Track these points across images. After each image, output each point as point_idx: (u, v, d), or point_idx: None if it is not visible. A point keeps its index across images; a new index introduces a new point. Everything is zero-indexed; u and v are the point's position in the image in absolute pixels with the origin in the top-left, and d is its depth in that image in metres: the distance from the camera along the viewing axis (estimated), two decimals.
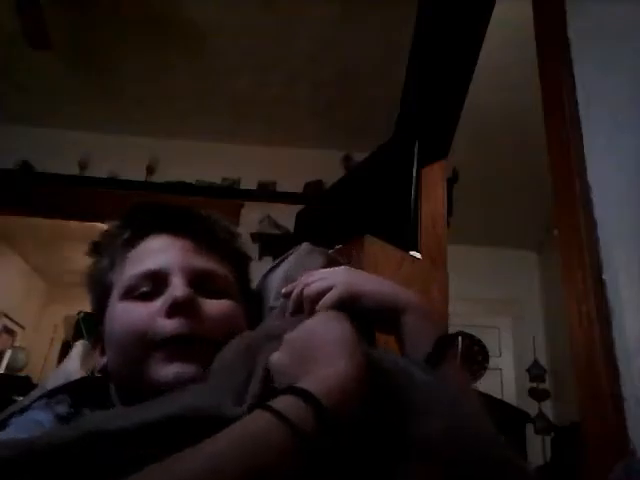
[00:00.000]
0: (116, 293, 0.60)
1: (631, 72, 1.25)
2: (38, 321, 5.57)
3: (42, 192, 3.13)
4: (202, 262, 0.62)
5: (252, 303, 0.68)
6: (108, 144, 3.34)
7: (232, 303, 0.62)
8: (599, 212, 1.21)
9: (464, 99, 2.67)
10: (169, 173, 3.24)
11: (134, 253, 0.63)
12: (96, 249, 0.67)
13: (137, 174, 3.21)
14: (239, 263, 0.69)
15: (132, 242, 0.64)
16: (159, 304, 0.57)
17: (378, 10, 2.48)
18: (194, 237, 0.64)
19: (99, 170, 3.24)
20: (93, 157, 3.28)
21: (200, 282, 0.60)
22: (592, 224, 1.20)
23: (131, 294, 0.59)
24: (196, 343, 0.55)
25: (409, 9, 2.40)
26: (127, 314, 0.58)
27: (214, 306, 0.59)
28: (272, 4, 2.51)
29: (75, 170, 3.24)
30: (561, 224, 1.32)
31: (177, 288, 0.57)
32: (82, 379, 0.64)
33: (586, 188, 1.25)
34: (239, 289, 0.66)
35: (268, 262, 2.99)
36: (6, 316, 5.07)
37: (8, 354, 5.01)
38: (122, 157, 3.29)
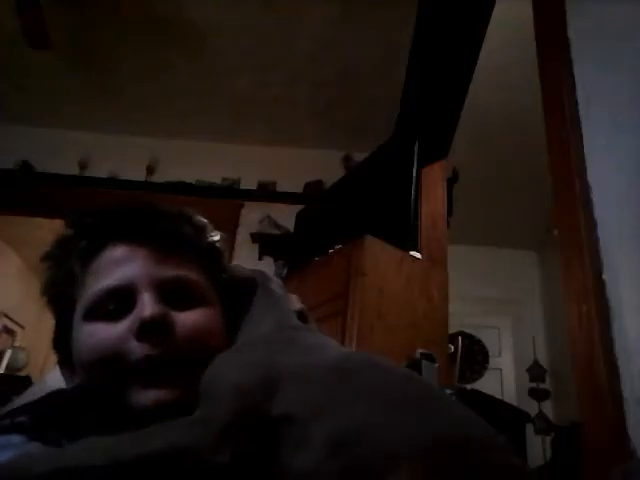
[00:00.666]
0: (79, 311, 0.54)
1: (631, 72, 1.25)
2: (38, 321, 5.57)
3: (42, 192, 3.13)
4: (170, 270, 0.56)
5: (228, 298, 0.62)
6: (108, 144, 3.34)
7: (208, 311, 0.56)
8: (599, 212, 1.21)
9: (464, 99, 2.67)
10: (169, 173, 3.24)
11: (94, 266, 0.56)
12: (49, 259, 0.59)
13: (137, 174, 3.21)
14: (211, 259, 0.62)
15: (90, 253, 0.56)
16: (127, 324, 0.51)
17: (378, 10, 2.48)
18: (156, 241, 0.57)
19: (99, 170, 3.24)
20: (93, 157, 3.28)
21: (171, 293, 0.54)
22: (592, 224, 1.20)
23: (95, 314, 0.53)
24: (172, 365, 0.50)
25: (409, 9, 2.40)
26: (93, 338, 0.52)
27: (189, 319, 0.54)
28: (272, 4, 2.51)
29: (75, 170, 3.24)
30: (561, 224, 1.32)
31: (145, 306, 0.51)
32: (53, 394, 0.58)
33: (586, 188, 1.25)
34: (214, 288, 0.60)
35: (268, 262, 2.98)
36: (6, 316, 5.07)
37: (8, 354, 5.01)
38: (122, 157, 3.29)
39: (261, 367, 0.46)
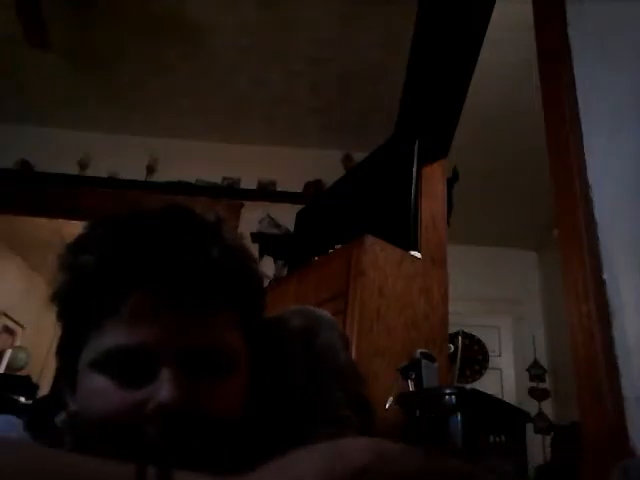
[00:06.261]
0: (88, 354, 0.48)
1: (631, 71, 1.25)
2: (38, 321, 5.57)
3: (42, 192, 3.13)
4: (200, 333, 0.47)
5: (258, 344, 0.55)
6: (108, 144, 3.34)
7: (238, 380, 0.49)
8: (599, 212, 1.21)
9: (464, 99, 2.67)
10: (169, 173, 3.24)
11: (112, 310, 0.47)
12: (64, 267, 0.51)
13: (137, 174, 3.21)
14: (252, 301, 0.54)
15: (110, 299, 0.47)
16: (144, 398, 0.44)
17: (378, 10, 2.48)
18: (191, 286, 0.47)
19: (99, 170, 3.23)
20: (93, 157, 3.28)
21: (199, 362, 0.47)
22: (592, 224, 1.20)
23: (106, 369, 0.46)
24: (190, 450, 0.44)
25: (409, 9, 2.40)
26: (103, 399, 0.45)
27: (220, 396, 0.47)
28: (272, 4, 2.51)
29: (75, 170, 3.23)
30: (561, 224, 1.32)
31: (165, 387, 0.44)
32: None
33: (586, 188, 1.25)
34: (247, 343, 0.52)
35: (268, 262, 2.97)
36: (6, 316, 5.07)
37: (8, 354, 5.01)
38: (122, 157, 3.29)
39: None
